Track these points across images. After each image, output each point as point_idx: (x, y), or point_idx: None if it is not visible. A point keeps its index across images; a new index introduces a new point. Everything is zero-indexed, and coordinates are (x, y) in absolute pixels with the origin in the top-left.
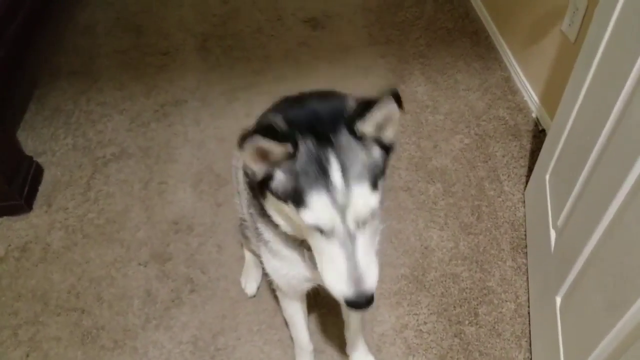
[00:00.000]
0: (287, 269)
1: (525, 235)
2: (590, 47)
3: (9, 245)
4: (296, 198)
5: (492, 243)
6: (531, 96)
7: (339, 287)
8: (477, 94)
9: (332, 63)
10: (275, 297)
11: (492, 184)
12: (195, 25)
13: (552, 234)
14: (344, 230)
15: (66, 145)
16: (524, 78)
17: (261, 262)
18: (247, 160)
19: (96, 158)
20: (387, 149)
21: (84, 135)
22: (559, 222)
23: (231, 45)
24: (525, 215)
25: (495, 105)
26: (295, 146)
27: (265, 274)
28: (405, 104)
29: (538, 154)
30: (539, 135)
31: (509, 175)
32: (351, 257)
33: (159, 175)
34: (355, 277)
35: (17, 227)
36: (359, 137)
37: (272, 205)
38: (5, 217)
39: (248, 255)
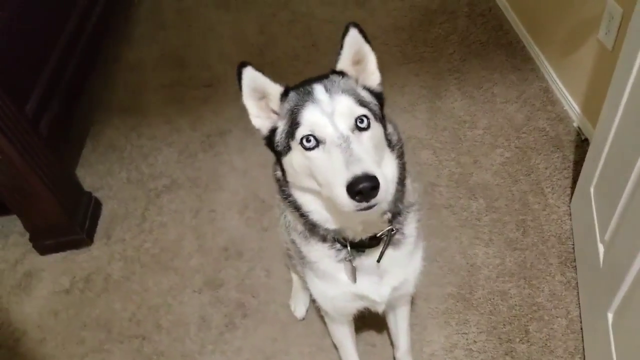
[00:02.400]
0: (333, 291)
1: (574, 248)
2: (628, 55)
3: (74, 278)
4: (292, 130)
5: (539, 258)
6: (571, 105)
7: (340, 177)
8: (516, 106)
9: None
10: (324, 320)
11: (536, 197)
12: (235, 55)
13: (600, 248)
14: (336, 134)
15: (121, 179)
16: (562, 88)
17: (308, 287)
18: (249, 108)
19: (149, 190)
20: (377, 96)
21: (137, 169)
22: (607, 236)
23: (270, 73)
24: (572, 228)
25: (534, 116)
26: (287, 88)
27: (313, 300)
28: (442, 121)
29: (582, 165)
30: (582, 145)
31: (553, 188)
32: (347, 150)
33: (208, 204)
34: (352, 162)
35: (79, 259)
36: (340, 74)
37: (287, 167)
38: (69, 251)
39: (295, 278)
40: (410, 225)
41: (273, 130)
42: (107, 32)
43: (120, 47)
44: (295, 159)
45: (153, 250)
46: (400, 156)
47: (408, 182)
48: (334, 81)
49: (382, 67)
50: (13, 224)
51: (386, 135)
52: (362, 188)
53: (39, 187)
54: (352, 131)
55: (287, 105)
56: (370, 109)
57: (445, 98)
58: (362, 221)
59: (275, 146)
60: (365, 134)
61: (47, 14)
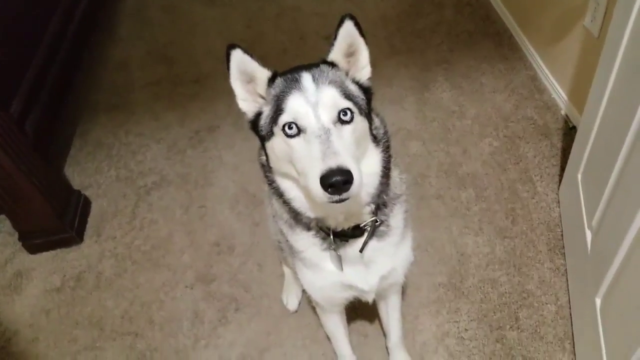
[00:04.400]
0: (321, 280)
1: (562, 235)
2: (614, 42)
3: (64, 276)
4: (276, 116)
5: (528, 246)
6: (559, 93)
7: (316, 168)
8: (504, 95)
9: None
10: (317, 312)
11: (525, 185)
12: (222, 51)
13: (588, 234)
14: (318, 125)
15: (110, 177)
16: (550, 76)
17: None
18: (236, 90)
19: (138, 187)
20: (365, 91)
21: (126, 167)
22: (594, 222)
23: None
24: (560, 215)
25: (522, 105)
26: (275, 74)
27: (304, 290)
28: (431, 112)
29: (570, 152)
30: (569, 132)
31: (541, 176)
32: (325, 142)
33: (198, 200)
34: (329, 154)
35: (70, 258)
36: (331, 64)
37: (270, 152)
38: (59, 250)
39: (287, 271)
40: (396, 217)
41: (258, 115)
42: (92, 30)
43: (105, 46)
44: (277, 145)
45: (144, 247)
46: (386, 149)
47: (395, 174)
48: (323, 71)
49: (371, 59)
50: (1, 224)
51: (372, 129)
52: (334, 181)
53: (26, 187)
54: (334, 123)
55: (274, 91)
56: (355, 103)
57: (433, 89)
58: (343, 212)
59: (260, 130)
60: (348, 127)
61: (31, 13)
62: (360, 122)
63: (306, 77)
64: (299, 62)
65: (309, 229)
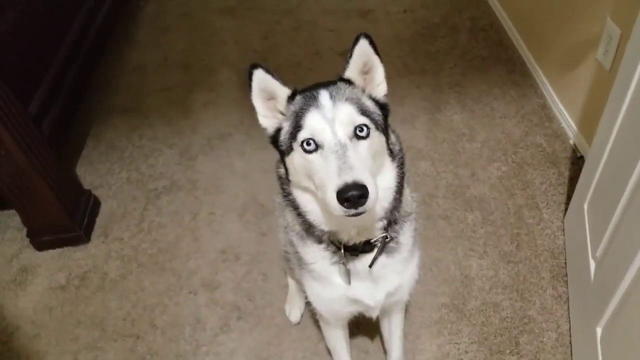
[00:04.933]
0: (328, 294)
1: (566, 263)
2: (625, 76)
3: (70, 274)
4: (295, 132)
5: (532, 271)
6: (568, 123)
7: (332, 183)
8: (514, 121)
9: None
10: (319, 326)
11: (531, 211)
12: (238, 61)
13: (592, 264)
14: (334, 140)
15: (121, 179)
16: (560, 105)
17: (304, 291)
18: (258, 107)
19: (149, 191)
20: (382, 107)
21: (137, 169)
22: (598, 253)
23: None
24: (565, 244)
25: (532, 132)
26: (295, 91)
27: (307, 303)
28: (441, 133)
29: (577, 181)
30: (577, 162)
31: (547, 203)
32: (342, 158)
33: (207, 206)
34: (345, 169)
35: (76, 257)
36: (347, 82)
37: (289, 165)
38: (66, 248)
39: (292, 283)
40: (406, 235)
41: (278, 130)
42: (111, 35)
43: (123, 50)
44: (296, 160)
45: (151, 250)
46: (401, 166)
47: (406, 192)
48: (340, 88)
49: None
50: (10, 219)
51: (388, 144)
52: (350, 196)
53: (39, 184)
54: (351, 139)
55: (293, 108)
56: (372, 119)
57: (445, 110)
58: (357, 225)
59: (280, 145)
60: (364, 142)
61: (54, 15)
62: (376, 137)
63: (324, 95)
64: (312, 76)
65: (320, 241)
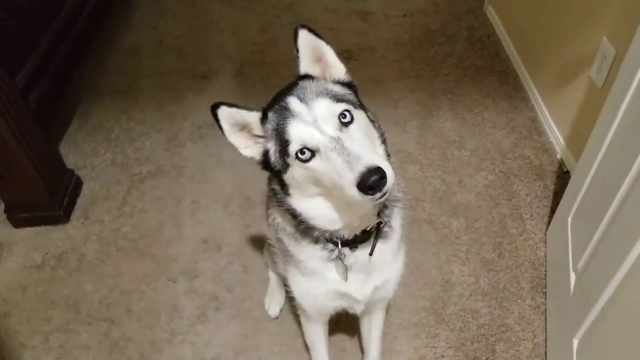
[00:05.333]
0: (317, 289)
1: (546, 275)
2: (618, 95)
3: (46, 254)
4: (284, 148)
5: (512, 281)
6: (557, 137)
7: (348, 178)
8: (504, 132)
9: (363, 94)
10: (297, 321)
11: (515, 222)
12: (234, 51)
13: (572, 277)
14: (327, 139)
15: (105, 160)
16: (550, 119)
17: (286, 286)
18: (236, 143)
19: (133, 174)
20: (349, 85)
21: (123, 152)
22: (579, 265)
23: (268, 72)
24: (546, 256)
25: (521, 144)
26: (264, 111)
27: (289, 298)
28: (432, 138)
29: (561, 195)
30: (563, 176)
31: (531, 215)
32: (343, 151)
33: (192, 195)
34: (352, 161)
35: (54, 236)
36: (307, 77)
37: (291, 181)
38: (44, 227)
39: (273, 277)
40: (396, 220)
41: (265, 153)
42: (106, 14)
43: (119, 31)
44: (296, 173)
45: (131, 235)
46: (384, 142)
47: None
48: (305, 87)
49: (379, 80)
50: None
51: (369, 117)
52: (372, 182)
53: (22, 159)
54: (340, 129)
55: (270, 126)
56: (347, 101)
57: (437, 117)
58: (360, 215)
59: (273, 167)
60: (352, 126)
61: None
62: (359, 115)
63: (293, 101)
64: None
65: (317, 242)
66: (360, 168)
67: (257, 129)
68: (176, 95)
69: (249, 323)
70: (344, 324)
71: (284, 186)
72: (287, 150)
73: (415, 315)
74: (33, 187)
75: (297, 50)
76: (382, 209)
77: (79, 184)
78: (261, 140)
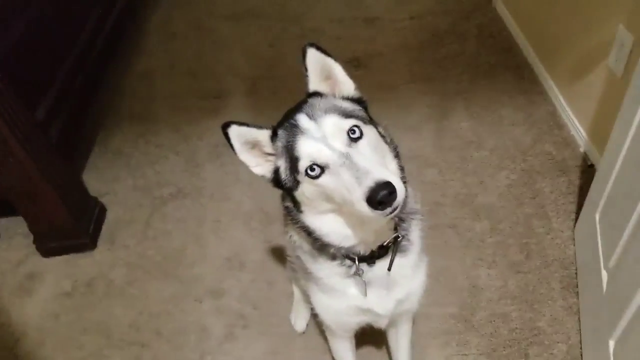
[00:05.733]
0: (338, 305)
1: (576, 273)
2: (639, 85)
3: (76, 281)
4: (294, 165)
5: (541, 282)
6: (578, 130)
7: (357, 194)
8: (523, 128)
9: (374, 102)
10: (324, 336)
11: (541, 221)
12: (244, 69)
13: (604, 275)
14: (336, 155)
15: (127, 185)
16: (570, 112)
17: (310, 302)
18: (247, 161)
19: (155, 198)
20: (358, 102)
21: (144, 176)
22: (611, 263)
23: (278, 87)
24: (575, 254)
25: (541, 140)
26: (274, 128)
27: (314, 314)
28: (448, 140)
29: (587, 190)
30: (587, 170)
31: (557, 212)
32: (351, 167)
33: (213, 213)
34: (361, 176)
35: (82, 263)
36: (316, 94)
37: (301, 198)
38: (72, 254)
39: (297, 291)
40: (414, 233)
41: (276, 171)
42: (119, 41)
43: (131, 57)
44: (307, 190)
45: (156, 257)
46: (397, 156)
47: (409, 189)
48: (313, 105)
49: (389, 85)
50: (17, 226)
51: (380, 133)
52: (382, 197)
53: (46, 191)
54: (349, 145)
55: (280, 144)
56: (356, 116)
57: (452, 118)
58: (375, 230)
59: (284, 184)
60: (362, 142)
61: (63, 23)
62: (369, 130)
63: (302, 118)
64: None
65: (334, 258)
66: (369, 183)
67: (268, 147)
68: (191, 116)
69: (276, 339)
70: (371, 335)
71: (296, 203)
72: (297, 167)
73: (444, 323)
74: (59, 216)
75: (306, 69)
76: (399, 223)
77: (103, 210)
78: (272, 158)
